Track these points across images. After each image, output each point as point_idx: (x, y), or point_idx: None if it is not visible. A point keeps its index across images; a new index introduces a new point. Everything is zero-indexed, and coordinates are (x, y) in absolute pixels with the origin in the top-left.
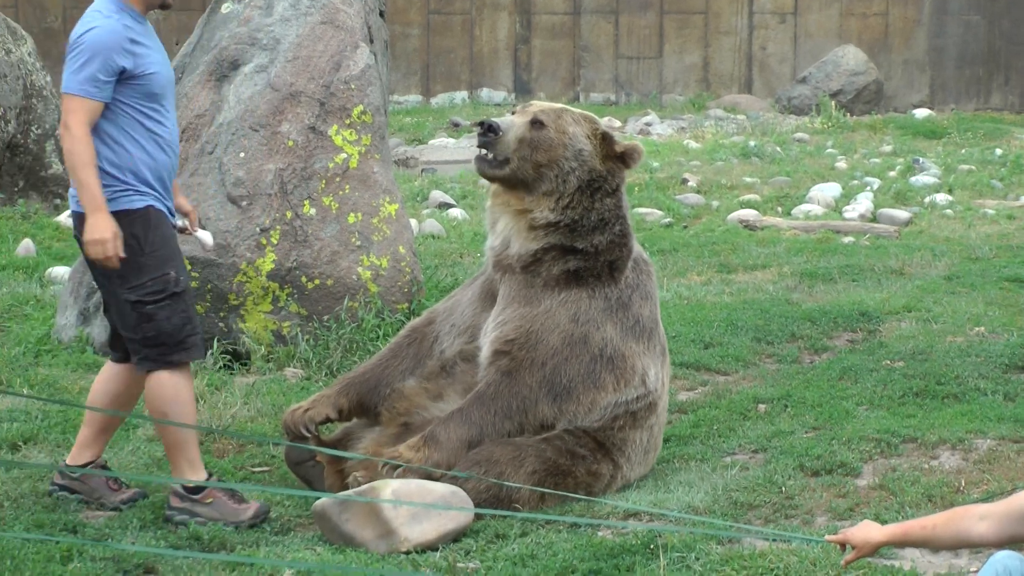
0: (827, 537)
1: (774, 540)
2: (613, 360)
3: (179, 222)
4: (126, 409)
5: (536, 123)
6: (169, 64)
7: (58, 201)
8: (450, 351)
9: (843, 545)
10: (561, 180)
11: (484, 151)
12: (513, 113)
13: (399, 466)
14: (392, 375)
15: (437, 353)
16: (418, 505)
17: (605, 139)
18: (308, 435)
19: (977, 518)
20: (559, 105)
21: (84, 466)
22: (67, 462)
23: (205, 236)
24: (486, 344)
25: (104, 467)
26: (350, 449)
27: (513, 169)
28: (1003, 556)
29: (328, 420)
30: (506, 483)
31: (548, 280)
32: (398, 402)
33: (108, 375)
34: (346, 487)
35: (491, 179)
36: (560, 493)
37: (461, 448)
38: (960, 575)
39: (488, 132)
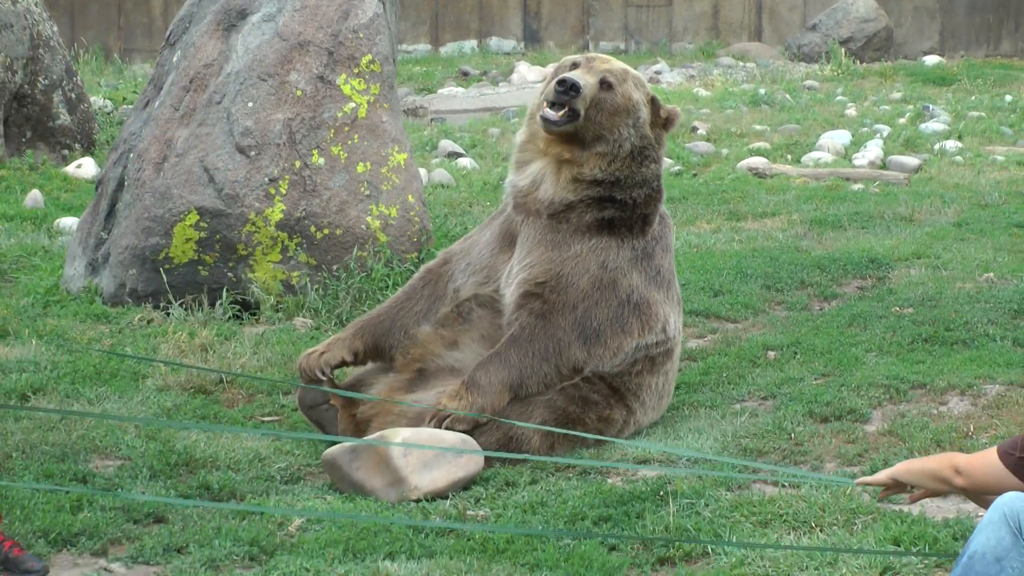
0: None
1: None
2: (639, 306)
3: None
4: None
5: (605, 84)
6: None
7: (66, 152)
8: (465, 291)
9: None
10: (617, 144)
11: (554, 111)
12: (575, 66)
13: (447, 416)
14: (407, 318)
15: (451, 292)
16: (428, 448)
17: (654, 104)
18: (323, 378)
19: None
20: (620, 64)
21: None
22: None
23: None
24: (512, 286)
25: None
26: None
27: (579, 126)
28: (1009, 498)
29: (344, 363)
30: (515, 423)
31: (579, 227)
32: (412, 348)
33: None
34: (359, 431)
35: (555, 134)
36: (571, 432)
37: (503, 390)
38: (968, 519)
39: (571, 90)
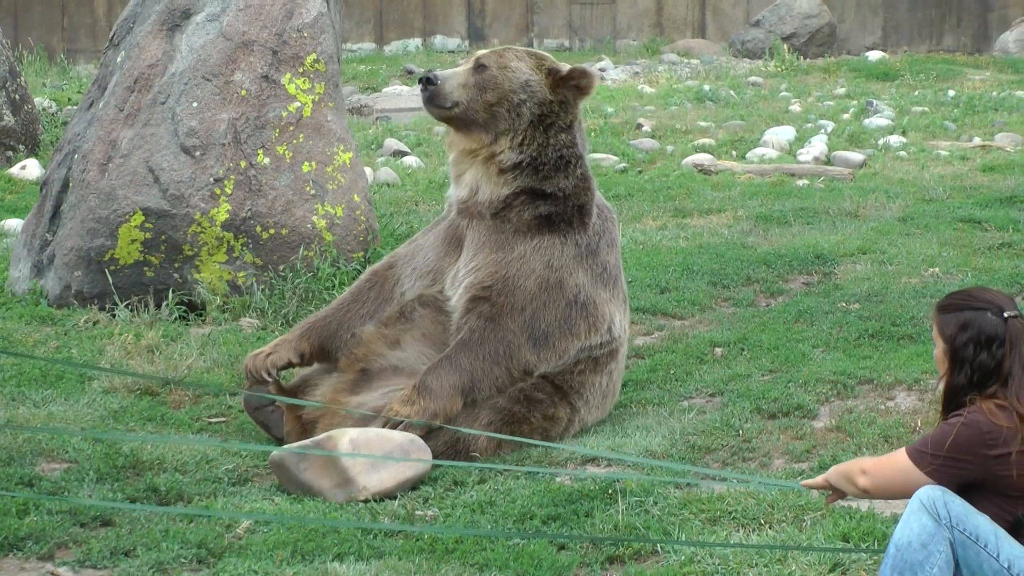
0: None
1: (760, 487)
2: (586, 307)
3: None
4: None
5: (479, 66)
6: None
7: (10, 153)
8: (411, 294)
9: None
10: (514, 115)
11: (437, 103)
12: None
13: (399, 423)
14: (353, 319)
15: (398, 296)
16: (375, 458)
17: (552, 72)
18: (269, 380)
19: None
20: (502, 48)
21: None
22: None
23: None
24: (459, 290)
25: None
26: (308, 396)
27: (463, 109)
28: (924, 489)
29: (290, 365)
30: (462, 429)
31: (519, 226)
32: (356, 348)
33: None
34: (306, 432)
35: (443, 119)
36: (518, 439)
37: (455, 394)
38: None
39: (428, 84)
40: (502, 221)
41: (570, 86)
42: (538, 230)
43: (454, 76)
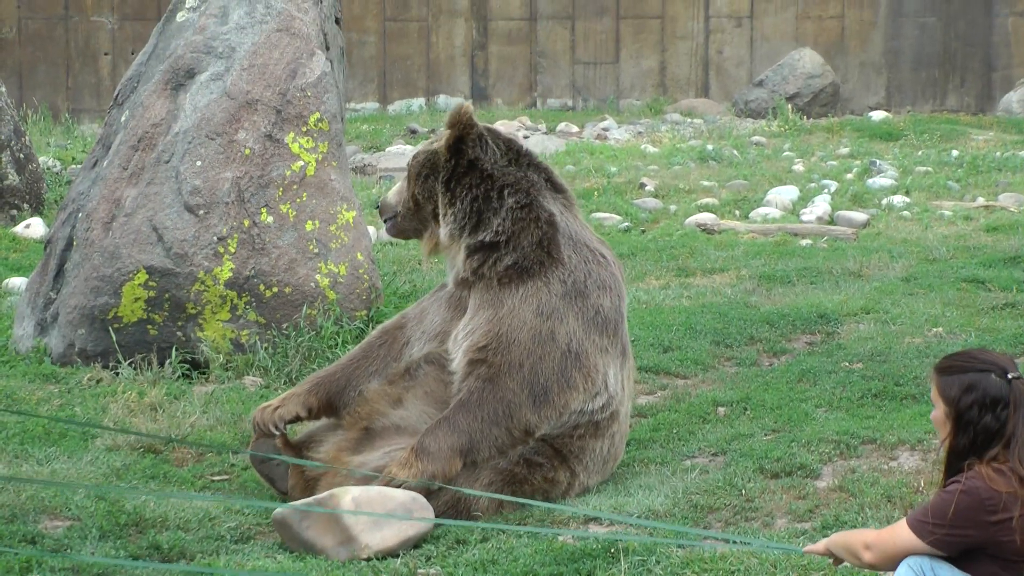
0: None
1: (763, 550)
2: (579, 357)
3: None
4: None
5: (407, 170)
6: None
7: (14, 212)
8: (419, 355)
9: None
10: (427, 193)
11: (386, 223)
12: None
13: (399, 485)
14: (361, 376)
15: (407, 356)
16: (378, 516)
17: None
18: (277, 433)
19: None
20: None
21: None
22: None
23: None
24: (459, 354)
25: None
26: (313, 452)
27: (401, 215)
28: (912, 557)
29: (298, 419)
30: (462, 490)
31: (502, 278)
32: (361, 406)
33: None
34: (309, 488)
35: (397, 235)
36: (520, 500)
37: (454, 456)
38: None
39: (378, 210)
40: (487, 279)
41: (451, 133)
42: (519, 279)
43: (391, 189)
